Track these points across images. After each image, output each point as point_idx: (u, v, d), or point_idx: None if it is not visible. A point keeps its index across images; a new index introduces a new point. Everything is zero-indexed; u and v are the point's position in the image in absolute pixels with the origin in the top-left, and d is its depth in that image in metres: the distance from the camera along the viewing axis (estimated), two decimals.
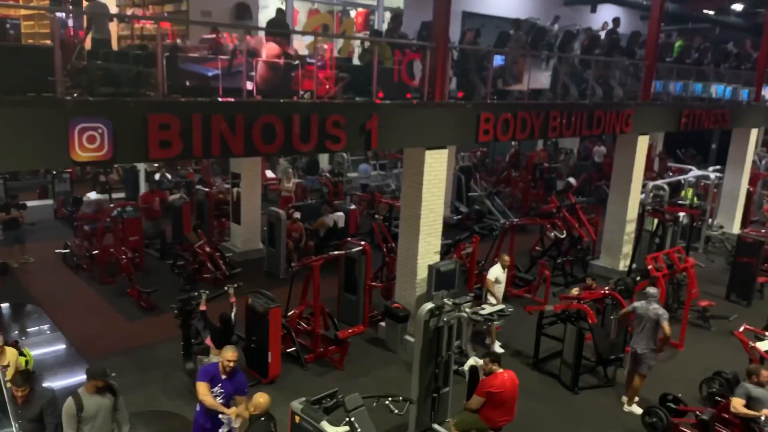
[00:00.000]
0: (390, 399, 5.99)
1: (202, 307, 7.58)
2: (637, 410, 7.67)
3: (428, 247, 9.12)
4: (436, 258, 9.24)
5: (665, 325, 7.50)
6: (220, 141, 6.73)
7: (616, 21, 13.78)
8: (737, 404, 6.24)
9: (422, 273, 9.01)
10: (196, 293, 7.75)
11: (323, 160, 20.97)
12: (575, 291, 9.24)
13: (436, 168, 9.02)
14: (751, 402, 6.27)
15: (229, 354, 5.68)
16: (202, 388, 5.65)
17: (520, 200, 19.02)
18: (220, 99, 7.08)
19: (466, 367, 6.59)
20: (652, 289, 7.90)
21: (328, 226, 13.32)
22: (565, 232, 11.98)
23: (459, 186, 17.48)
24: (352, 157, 22.11)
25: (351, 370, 8.51)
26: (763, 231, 15.09)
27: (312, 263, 8.74)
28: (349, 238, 10.57)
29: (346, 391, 5.86)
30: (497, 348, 9.14)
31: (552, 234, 12.22)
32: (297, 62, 8.28)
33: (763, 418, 6.15)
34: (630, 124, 12.11)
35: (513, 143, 22.98)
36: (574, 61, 12.46)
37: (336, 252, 9.68)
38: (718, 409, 6.85)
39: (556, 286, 11.79)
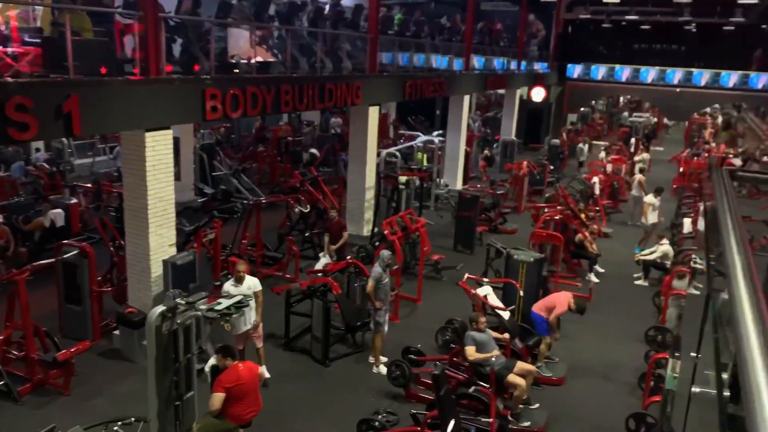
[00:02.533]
0: (120, 423, 5.27)
1: None
2: (385, 370, 8.07)
3: (161, 240, 8.30)
4: (173, 251, 8.48)
5: (369, 284, 7.95)
6: None
7: None
8: (470, 352, 6.87)
9: (157, 270, 8.19)
10: None
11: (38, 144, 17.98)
12: (323, 260, 9.33)
13: (161, 151, 8.18)
14: (479, 347, 6.96)
15: None
16: None
17: (269, 176, 18.78)
18: None
19: (207, 368, 6.13)
20: (386, 252, 8.29)
21: (45, 226, 11.44)
22: (309, 206, 12.05)
23: (202, 166, 16.51)
24: (76, 141, 19.44)
25: (81, 393, 7.41)
26: (479, 186, 17.23)
27: (14, 277, 7.30)
28: (67, 240, 9.13)
29: (75, 419, 5.01)
30: None
31: (297, 209, 12.20)
32: None
33: (493, 358, 6.90)
34: (360, 96, 12.55)
35: (258, 117, 22.56)
36: (303, 33, 12.43)
37: (45, 261, 8.26)
38: (450, 356, 7.54)
39: (306, 260, 11.86)
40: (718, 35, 28.01)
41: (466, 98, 18.95)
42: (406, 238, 10.85)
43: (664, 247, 11.43)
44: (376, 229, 12.72)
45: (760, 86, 26.37)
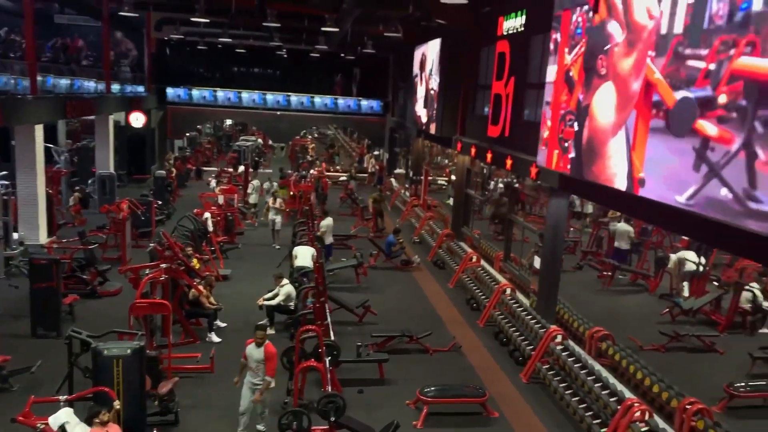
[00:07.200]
0: None
1: None
2: None
3: None
4: None
5: None
6: None
7: None
8: None
9: None
10: None
11: None
12: None
13: None
14: None
15: None
16: None
17: None
18: None
19: None
20: None
21: None
22: None
23: None
24: None
25: None
26: (64, 241, 13.97)
27: None
28: None
29: None
30: None
31: None
32: None
33: None
34: None
35: None
36: None
37: None
38: None
39: None
40: (307, 61, 30.01)
41: (39, 128, 15.26)
42: None
43: (286, 288, 10.64)
44: None
45: (344, 109, 29.34)
